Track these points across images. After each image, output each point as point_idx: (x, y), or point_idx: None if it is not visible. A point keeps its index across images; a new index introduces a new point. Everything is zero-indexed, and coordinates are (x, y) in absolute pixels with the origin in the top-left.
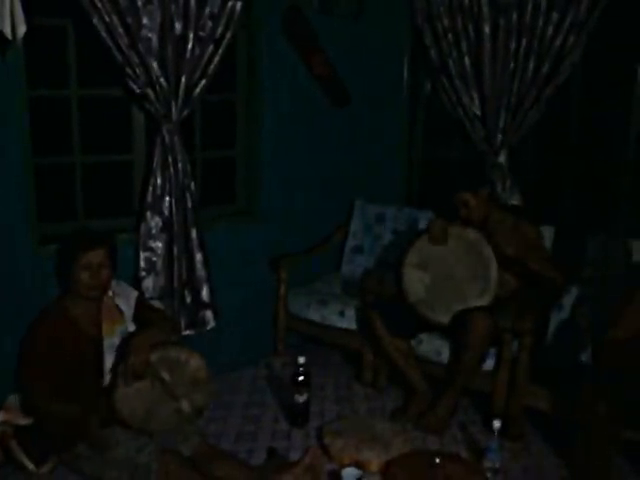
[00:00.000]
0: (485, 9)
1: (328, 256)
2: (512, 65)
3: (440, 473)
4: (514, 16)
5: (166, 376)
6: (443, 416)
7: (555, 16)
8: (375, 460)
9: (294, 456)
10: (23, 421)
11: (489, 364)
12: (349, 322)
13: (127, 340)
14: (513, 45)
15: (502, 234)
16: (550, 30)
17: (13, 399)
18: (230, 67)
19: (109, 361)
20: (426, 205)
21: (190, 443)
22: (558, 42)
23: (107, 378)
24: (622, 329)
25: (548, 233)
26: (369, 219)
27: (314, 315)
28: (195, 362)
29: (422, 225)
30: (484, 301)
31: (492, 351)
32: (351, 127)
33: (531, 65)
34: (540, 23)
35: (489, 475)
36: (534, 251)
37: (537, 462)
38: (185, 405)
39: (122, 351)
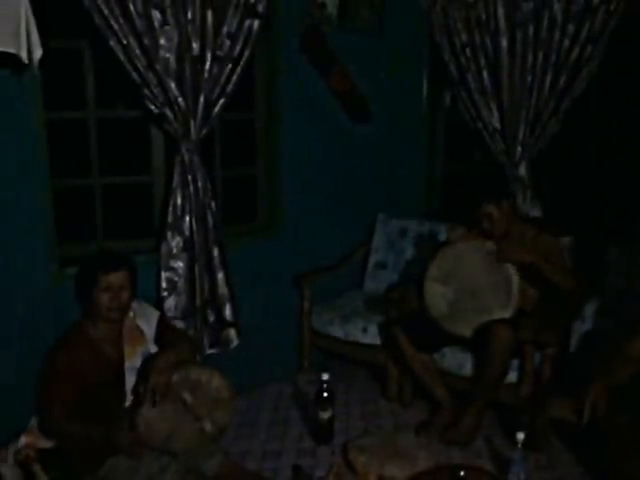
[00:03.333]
0: (502, 23)
1: (351, 272)
2: (530, 78)
3: None
4: (531, 30)
5: (188, 397)
6: (468, 429)
7: (571, 28)
8: (400, 475)
9: (320, 473)
10: (46, 444)
11: (512, 376)
12: (372, 338)
13: (148, 361)
14: (530, 58)
15: (522, 246)
16: (566, 42)
17: (36, 422)
18: (249, 85)
19: (130, 383)
20: (447, 219)
21: (213, 462)
22: (575, 54)
23: (128, 400)
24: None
25: (568, 243)
26: (391, 234)
27: (337, 331)
28: (216, 382)
29: (444, 239)
30: (506, 314)
31: (515, 363)
32: (371, 142)
33: (548, 78)
34: (557, 36)
35: None
36: (554, 263)
37: (562, 473)
38: (208, 425)
39: (143, 372)
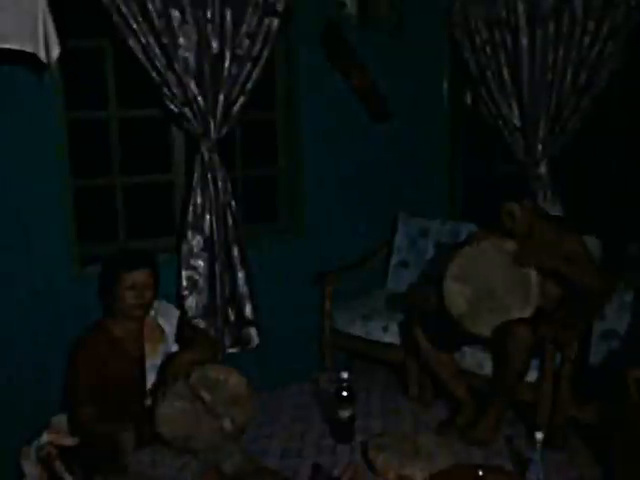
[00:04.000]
0: (522, 21)
1: (373, 271)
2: (550, 75)
3: None
4: (551, 26)
5: (206, 396)
6: (489, 429)
7: (591, 25)
8: (419, 474)
9: (339, 472)
10: (68, 441)
11: (532, 375)
12: (393, 337)
13: (168, 360)
14: (551, 55)
15: (544, 246)
16: (587, 39)
17: (58, 420)
18: (269, 84)
19: (151, 381)
20: (468, 218)
21: (233, 461)
22: (595, 51)
23: (149, 398)
24: None
25: (592, 243)
26: (413, 233)
27: (358, 330)
28: (234, 380)
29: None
30: (526, 313)
31: (535, 362)
32: (392, 142)
33: (569, 75)
34: (577, 33)
35: None
36: (577, 262)
37: (581, 473)
38: (227, 423)
39: (162, 371)
